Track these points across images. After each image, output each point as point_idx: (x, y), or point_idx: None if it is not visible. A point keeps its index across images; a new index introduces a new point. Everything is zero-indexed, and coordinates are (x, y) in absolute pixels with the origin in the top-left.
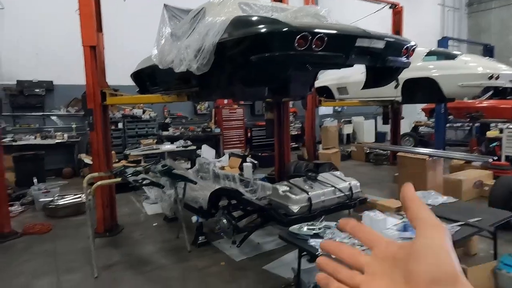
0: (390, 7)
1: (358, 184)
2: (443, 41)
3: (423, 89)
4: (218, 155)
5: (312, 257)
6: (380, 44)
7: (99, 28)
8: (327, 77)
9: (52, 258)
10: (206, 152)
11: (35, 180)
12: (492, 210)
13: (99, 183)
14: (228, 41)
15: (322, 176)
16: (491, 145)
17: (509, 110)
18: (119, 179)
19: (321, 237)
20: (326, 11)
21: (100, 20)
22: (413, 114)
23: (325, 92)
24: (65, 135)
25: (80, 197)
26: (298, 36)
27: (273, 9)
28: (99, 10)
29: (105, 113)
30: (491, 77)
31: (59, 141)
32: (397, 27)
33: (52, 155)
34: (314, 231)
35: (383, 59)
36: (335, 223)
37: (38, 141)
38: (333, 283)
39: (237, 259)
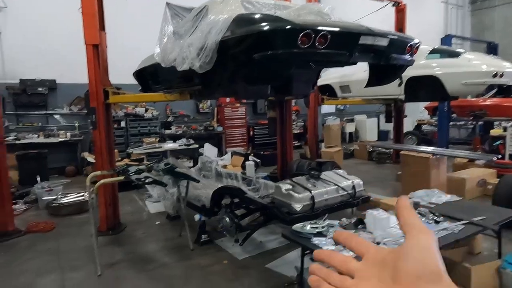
0: (393, 5)
1: (361, 182)
2: (446, 39)
3: (427, 87)
4: (221, 153)
5: None
6: (383, 42)
7: (102, 27)
8: (329, 76)
9: (55, 256)
10: (209, 150)
11: (38, 179)
12: (496, 209)
13: (102, 181)
14: (230, 39)
15: (325, 175)
16: (494, 144)
17: None
18: (122, 178)
19: (325, 236)
20: (329, 9)
21: (103, 19)
22: (416, 113)
23: (328, 91)
24: (68, 134)
25: (83, 195)
26: (301, 34)
27: (275, 7)
28: (102, 9)
29: (108, 111)
30: (495, 75)
31: (62, 139)
32: (400, 25)
33: (55, 153)
34: (317, 230)
35: (386, 57)
36: (338, 221)
37: (41, 139)
38: (324, 285)
39: (240, 257)
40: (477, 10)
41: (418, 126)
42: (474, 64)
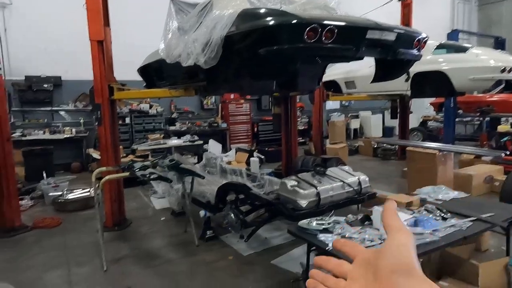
0: (399, 0)
1: (367, 179)
2: (453, 34)
3: (433, 83)
4: (225, 150)
5: (321, 252)
6: (391, 36)
7: (106, 23)
8: (334, 71)
9: (61, 251)
10: (213, 147)
11: (44, 175)
12: (504, 205)
13: (107, 177)
14: (236, 34)
15: (330, 171)
16: (502, 140)
17: None
18: (127, 174)
19: (331, 232)
20: (335, 3)
21: (107, 15)
22: (422, 109)
23: (333, 86)
24: (73, 130)
25: (88, 191)
26: (307, 28)
27: (281, 1)
28: (106, 5)
29: (113, 107)
30: (503, 70)
31: (68, 136)
32: (406, 20)
33: (61, 150)
34: (323, 226)
35: (394, 52)
36: (344, 218)
37: (47, 136)
38: (319, 287)
39: (245, 253)
40: (484, 5)
41: (424, 122)
42: (482, 59)
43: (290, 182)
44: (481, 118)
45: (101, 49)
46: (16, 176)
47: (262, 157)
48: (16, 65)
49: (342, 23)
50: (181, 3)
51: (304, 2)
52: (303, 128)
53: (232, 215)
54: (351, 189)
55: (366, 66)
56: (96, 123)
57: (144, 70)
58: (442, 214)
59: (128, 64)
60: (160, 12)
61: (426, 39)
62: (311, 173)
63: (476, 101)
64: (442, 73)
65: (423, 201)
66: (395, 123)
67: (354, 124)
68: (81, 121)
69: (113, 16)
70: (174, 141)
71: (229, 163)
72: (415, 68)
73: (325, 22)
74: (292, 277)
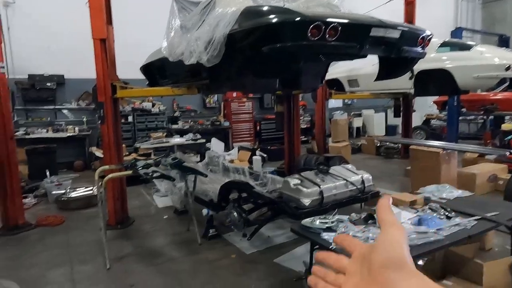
0: None
1: (370, 177)
2: (457, 32)
3: (437, 81)
4: (227, 148)
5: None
6: (395, 34)
7: (109, 21)
8: (337, 69)
9: (65, 249)
10: (215, 145)
11: (47, 173)
12: (508, 204)
13: (110, 175)
14: (239, 32)
15: (333, 169)
16: (506, 138)
17: None
18: (130, 172)
19: (334, 231)
20: (338, 1)
21: (110, 13)
22: (425, 107)
23: (335, 85)
24: (76, 129)
25: (91, 189)
26: (311, 26)
27: None
28: (109, 3)
29: (116, 106)
30: (508, 68)
31: (71, 134)
32: (409, 17)
33: (64, 148)
34: (326, 225)
35: (398, 49)
36: (347, 216)
37: (50, 134)
38: (320, 283)
39: (248, 252)
40: (488, 3)
41: (427, 121)
42: (486, 57)
43: (293, 181)
44: (485, 117)
45: (104, 47)
46: (19, 174)
47: (265, 155)
48: (19, 63)
49: (346, 21)
50: (184, 1)
51: (308, 0)
52: (305, 126)
53: (234, 213)
54: (354, 187)
55: (369, 64)
56: (99, 122)
57: (146, 69)
58: (447, 213)
59: (130, 63)
60: (162, 10)
61: (430, 36)
62: (314, 171)
63: (480, 100)
64: (446, 71)
65: (427, 200)
66: (398, 121)
67: (357, 122)
68: (84, 119)
69: (115, 15)
70: (176, 140)
71: (231, 161)
72: (418, 66)
73: (329, 19)
74: (295, 275)
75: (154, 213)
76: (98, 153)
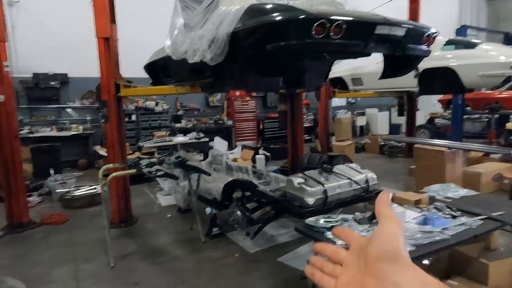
0: None
1: (375, 176)
2: (461, 30)
3: (442, 80)
4: (231, 147)
5: None
6: (400, 32)
7: (113, 20)
8: (341, 68)
9: (69, 248)
10: (219, 144)
11: (51, 172)
12: None
13: (114, 174)
14: (242, 30)
15: (337, 168)
16: (511, 137)
17: None
18: (133, 171)
19: None
20: None
21: (113, 12)
22: (429, 106)
23: (339, 83)
24: (80, 127)
25: (95, 188)
26: (315, 24)
27: None
28: (112, 2)
29: (119, 104)
30: None
31: (75, 133)
32: (413, 15)
33: (68, 147)
34: (331, 224)
35: (403, 47)
36: (352, 215)
37: (54, 133)
38: (317, 273)
39: (251, 250)
40: (493, 0)
41: (431, 120)
42: (492, 55)
43: (297, 180)
44: (489, 115)
45: (107, 46)
46: (24, 172)
47: (268, 154)
48: (24, 62)
49: (351, 18)
50: (187, 0)
51: None
52: (309, 125)
53: (238, 212)
54: (359, 186)
55: (373, 62)
56: (103, 121)
57: (150, 67)
58: (452, 212)
59: (133, 61)
60: (164, 9)
61: (435, 34)
62: (318, 170)
63: (485, 98)
64: (451, 69)
65: (432, 199)
66: (401, 120)
67: (360, 121)
68: (88, 118)
69: (118, 14)
70: (180, 139)
71: (234, 160)
72: (423, 64)
73: (334, 17)
74: (298, 274)
75: (158, 212)
76: (102, 151)
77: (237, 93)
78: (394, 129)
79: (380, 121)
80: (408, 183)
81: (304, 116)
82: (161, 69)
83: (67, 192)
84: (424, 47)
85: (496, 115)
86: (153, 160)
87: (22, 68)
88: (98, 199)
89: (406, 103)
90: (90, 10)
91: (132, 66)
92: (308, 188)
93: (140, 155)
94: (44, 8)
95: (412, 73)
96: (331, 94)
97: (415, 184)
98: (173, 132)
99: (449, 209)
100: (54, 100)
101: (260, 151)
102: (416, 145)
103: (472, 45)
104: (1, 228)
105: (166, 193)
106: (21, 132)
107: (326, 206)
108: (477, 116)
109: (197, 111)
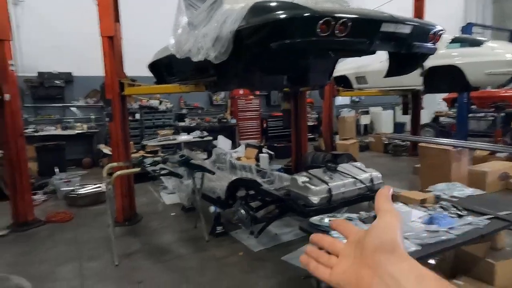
0: None
1: (380, 175)
2: (467, 28)
3: (447, 78)
4: (234, 145)
5: None
6: (406, 29)
7: (117, 19)
8: (345, 66)
9: (73, 246)
10: (222, 142)
11: (56, 170)
12: None
13: (118, 172)
14: (246, 28)
15: (342, 167)
16: None
17: None
18: (138, 169)
19: None
20: None
21: (118, 11)
22: (434, 104)
23: (343, 82)
24: (85, 126)
25: (99, 186)
26: (320, 21)
27: None
28: (116, 1)
29: (124, 103)
30: None
31: (79, 131)
32: (418, 13)
33: (72, 145)
34: None
35: (408, 45)
36: (356, 214)
37: (59, 131)
38: (312, 263)
39: (255, 249)
40: None
41: (436, 118)
42: (498, 53)
43: (301, 178)
44: (495, 114)
45: (112, 44)
46: (29, 171)
47: (272, 153)
48: (28, 61)
49: (356, 16)
50: None
51: None
52: (312, 124)
53: (242, 211)
54: (363, 185)
55: (377, 61)
56: (107, 119)
57: (154, 66)
58: (458, 212)
59: (137, 60)
60: (168, 8)
61: (441, 32)
62: (322, 169)
63: (491, 96)
64: (457, 67)
65: (437, 198)
66: (406, 119)
67: (365, 120)
68: (92, 117)
69: (122, 13)
70: (183, 137)
71: (238, 159)
72: (429, 63)
73: (339, 15)
74: (302, 273)
75: (162, 210)
76: (106, 150)
77: (241, 91)
78: (398, 127)
79: (385, 120)
80: (413, 182)
81: (308, 115)
82: (165, 68)
83: (72, 190)
84: (430, 45)
85: (502, 114)
86: (157, 158)
87: (27, 67)
88: (103, 198)
89: (411, 102)
90: (94, 9)
91: (136, 65)
92: (313, 187)
93: (144, 154)
94: (49, 7)
95: (417, 71)
96: (335, 93)
97: (420, 183)
98: (177, 131)
99: (455, 209)
100: (58, 99)
101: (264, 149)
102: (421, 144)
103: (478, 43)
104: (7, 226)
105: (170, 191)
106: (26, 130)
107: (331, 205)
108: (482, 114)
109: (200, 110)
